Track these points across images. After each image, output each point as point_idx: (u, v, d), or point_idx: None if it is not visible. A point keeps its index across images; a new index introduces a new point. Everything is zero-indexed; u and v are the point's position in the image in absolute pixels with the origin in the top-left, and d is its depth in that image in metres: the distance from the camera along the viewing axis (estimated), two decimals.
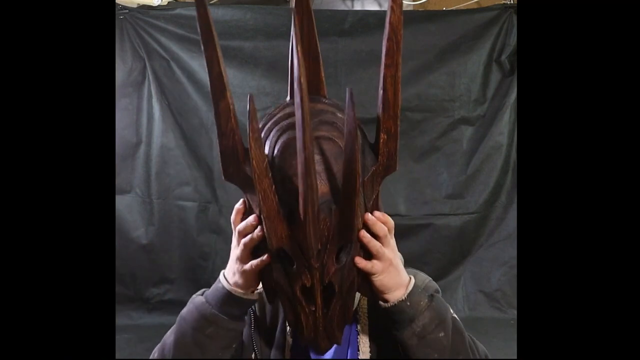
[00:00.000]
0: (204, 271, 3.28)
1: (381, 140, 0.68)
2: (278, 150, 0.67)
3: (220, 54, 0.66)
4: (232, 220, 0.74)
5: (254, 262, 0.69)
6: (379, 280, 0.69)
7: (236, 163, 0.68)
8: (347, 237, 0.64)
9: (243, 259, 0.71)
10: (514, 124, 3.29)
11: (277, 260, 0.66)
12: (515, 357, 0.71)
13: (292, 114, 0.66)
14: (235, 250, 0.72)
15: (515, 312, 3.19)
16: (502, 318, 3.22)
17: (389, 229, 0.70)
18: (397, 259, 0.73)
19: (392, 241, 0.71)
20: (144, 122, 3.25)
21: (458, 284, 3.35)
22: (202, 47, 0.65)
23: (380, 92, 0.66)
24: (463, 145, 3.32)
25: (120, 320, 3.05)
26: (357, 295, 0.77)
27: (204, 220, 3.28)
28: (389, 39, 0.61)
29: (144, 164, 3.26)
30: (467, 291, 3.35)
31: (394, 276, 0.71)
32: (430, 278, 0.86)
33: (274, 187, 0.62)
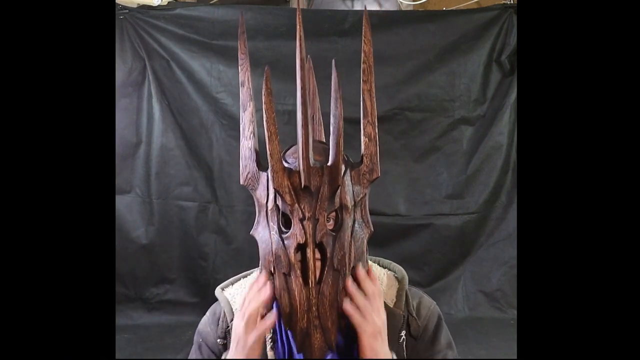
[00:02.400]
0: (204, 271, 3.28)
1: (363, 144, 0.77)
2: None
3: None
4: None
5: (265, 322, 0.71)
6: (369, 342, 0.70)
7: (252, 163, 0.77)
8: (333, 193, 0.72)
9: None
10: (514, 124, 3.28)
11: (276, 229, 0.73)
12: (515, 357, 0.71)
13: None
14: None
15: (515, 312, 3.19)
16: (502, 318, 3.22)
17: (376, 293, 0.73)
18: (384, 327, 0.74)
19: (380, 306, 0.74)
20: (144, 122, 3.24)
21: (458, 284, 3.34)
22: (239, 67, 0.82)
23: (361, 102, 0.79)
24: (463, 145, 3.32)
25: (120, 320, 3.05)
26: None
27: (204, 220, 3.28)
28: (363, 63, 0.79)
29: (144, 164, 3.25)
30: (467, 291, 3.35)
31: (383, 346, 0.72)
32: (435, 303, 0.88)
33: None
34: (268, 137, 0.73)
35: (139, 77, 3.22)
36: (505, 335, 2.91)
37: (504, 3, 3.31)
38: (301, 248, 0.70)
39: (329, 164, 0.74)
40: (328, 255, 0.70)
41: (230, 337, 0.83)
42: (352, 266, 0.72)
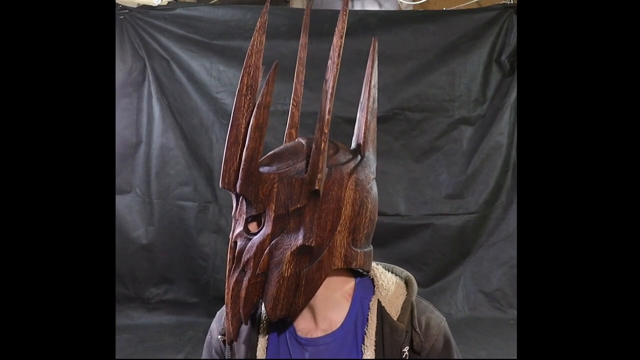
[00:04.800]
0: (204, 271, 3.28)
1: (312, 152, 0.73)
2: None
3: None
4: None
5: None
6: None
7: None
8: (250, 200, 0.73)
9: None
10: (514, 124, 3.29)
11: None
12: (515, 357, 0.71)
13: None
14: None
15: (515, 312, 3.19)
16: (502, 318, 3.22)
17: None
18: None
19: None
20: (144, 122, 3.25)
21: (458, 284, 3.35)
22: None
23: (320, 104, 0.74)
24: (463, 145, 3.32)
25: (120, 320, 3.06)
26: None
27: (204, 220, 3.28)
28: (329, 58, 0.73)
29: (144, 164, 3.26)
30: (467, 291, 3.35)
31: None
32: (444, 319, 0.83)
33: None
34: (227, 145, 0.73)
35: (139, 77, 3.22)
36: (505, 335, 2.92)
37: (504, 3, 3.31)
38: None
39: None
40: (235, 254, 0.76)
41: None
42: (261, 272, 0.74)
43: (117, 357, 2.41)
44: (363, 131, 0.83)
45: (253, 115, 0.71)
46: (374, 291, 0.83)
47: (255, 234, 0.74)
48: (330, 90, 0.73)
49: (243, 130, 0.71)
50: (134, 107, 3.24)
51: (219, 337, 0.87)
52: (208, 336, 0.91)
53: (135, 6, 3.27)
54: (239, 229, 0.76)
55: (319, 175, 0.71)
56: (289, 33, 3.08)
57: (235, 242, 0.76)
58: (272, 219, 0.73)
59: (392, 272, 0.88)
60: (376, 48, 0.85)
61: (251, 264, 0.74)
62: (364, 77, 0.86)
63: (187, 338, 2.93)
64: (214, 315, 0.92)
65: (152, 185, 3.26)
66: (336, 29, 0.74)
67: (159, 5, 3.31)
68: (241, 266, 0.75)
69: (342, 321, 0.80)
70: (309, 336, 0.80)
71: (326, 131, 0.72)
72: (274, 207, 0.73)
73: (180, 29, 3.18)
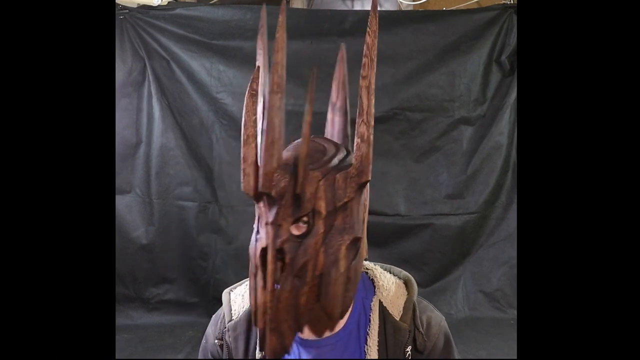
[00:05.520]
0: (204, 271, 3.28)
1: (355, 145, 0.74)
2: None
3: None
4: None
5: None
6: None
7: (256, 170, 0.72)
8: (300, 204, 0.70)
9: None
10: (514, 124, 3.29)
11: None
12: (515, 357, 0.71)
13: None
14: None
15: (515, 312, 3.19)
16: (502, 318, 3.22)
17: None
18: None
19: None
20: (144, 122, 3.25)
21: (458, 284, 3.35)
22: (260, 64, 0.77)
23: (358, 99, 0.74)
24: (463, 145, 3.32)
25: (120, 320, 3.06)
26: None
27: (204, 220, 3.28)
28: (365, 56, 0.74)
29: (144, 164, 3.26)
30: (467, 291, 3.35)
31: None
32: (444, 318, 0.85)
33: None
34: (244, 140, 0.70)
35: (139, 77, 3.22)
36: (505, 335, 2.92)
37: (504, 3, 3.31)
38: (265, 252, 0.70)
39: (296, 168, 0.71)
40: (287, 261, 0.70)
41: (226, 338, 0.84)
42: (318, 273, 0.70)
43: (117, 357, 2.41)
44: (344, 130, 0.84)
45: (306, 123, 0.69)
46: (374, 292, 0.83)
47: (303, 236, 0.71)
48: (371, 87, 0.75)
49: (277, 129, 0.70)
50: (134, 107, 3.23)
51: (216, 341, 0.86)
52: (203, 341, 0.90)
53: (135, 6, 3.27)
54: (284, 234, 0.70)
55: (370, 166, 0.73)
56: (289, 33, 3.06)
57: (281, 249, 0.70)
58: (323, 217, 0.71)
59: (391, 273, 0.88)
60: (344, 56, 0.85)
61: (309, 266, 0.70)
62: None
63: (187, 338, 2.93)
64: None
65: (152, 185, 3.26)
66: (370, 30, 0.77)
67: (159, 5, 3.31)
68: (294, 272, 0.70)
69: (344, 322, 0.80)
70: (311, 338, 0.80)
71: (372, 124, 0.74)
72: (324, 205, 0.72)
73: (180, 29, 3.18)
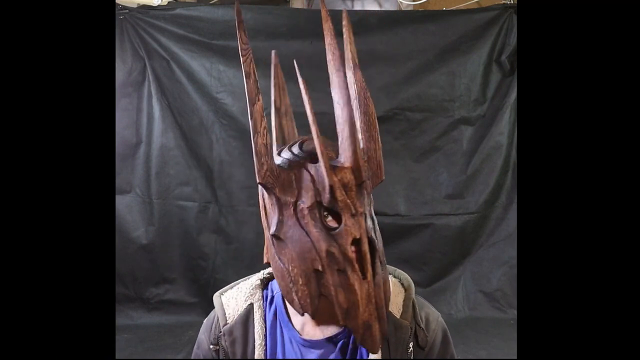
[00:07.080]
0: (203, 271, 3.28)
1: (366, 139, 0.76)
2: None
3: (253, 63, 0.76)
4: None
5: None
6: None
7: (270, 160, 0.73)
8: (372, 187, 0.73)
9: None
10: (514, 124, 3.29)
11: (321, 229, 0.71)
12: (515, 357, 0.71)
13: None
14: None
15: (515, 312, 3.19)
16: (502, 318, 3.22)
17: None
18: None
19: None
20: (144, 122, 3.25)
21: (458, 284, 3.35)
22: (241, 57, 0.74)
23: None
24: (463, 145, 3.32)
25: (120, 320, 3.05)
26: None
27: (204, 220, 3.28)
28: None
29: (144, 164, 3.26)
30: (467, 291, 3.35)
31: None
32: (439, 314, 0.86)
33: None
34: (315, 132, 0.69)
35: (139, 77, 3.22)
36: (505, 335, 2.91)
37: (504, 3, 3.31)
38: (354, 243, 0.70)
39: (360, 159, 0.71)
40: (378, 248, 0.71)
41: (222, 343, 0.83)
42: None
43: (117, 357, 2.41)
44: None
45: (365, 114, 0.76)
46: None
47: (373, 220, 0.73)
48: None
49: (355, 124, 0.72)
50: (134, 107, 3.23)
51: (211, 346, 0.85)
52: (195, 348, 0.88)
53: (135, 6, 3.27)
54: (369, 222, 0.72)
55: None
56: (289, 33, 3.08)
57: (370, 238, 0.71)
58: (372, 199, 0.75)
59: None
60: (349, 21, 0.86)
61: (382, 251, 0.73)
62: (363, 77, 0.86)
63: (187, 338, 2.93)
64: None
65: (152, 185, 3.26)
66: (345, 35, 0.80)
67: (159, 5, 3.31)
68: (381, 258, 0.72)
69: None
70: (314, 338, 0.80)
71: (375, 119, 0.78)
72: (369, 189, 0.74)
73: (180, 29, 3.18)
